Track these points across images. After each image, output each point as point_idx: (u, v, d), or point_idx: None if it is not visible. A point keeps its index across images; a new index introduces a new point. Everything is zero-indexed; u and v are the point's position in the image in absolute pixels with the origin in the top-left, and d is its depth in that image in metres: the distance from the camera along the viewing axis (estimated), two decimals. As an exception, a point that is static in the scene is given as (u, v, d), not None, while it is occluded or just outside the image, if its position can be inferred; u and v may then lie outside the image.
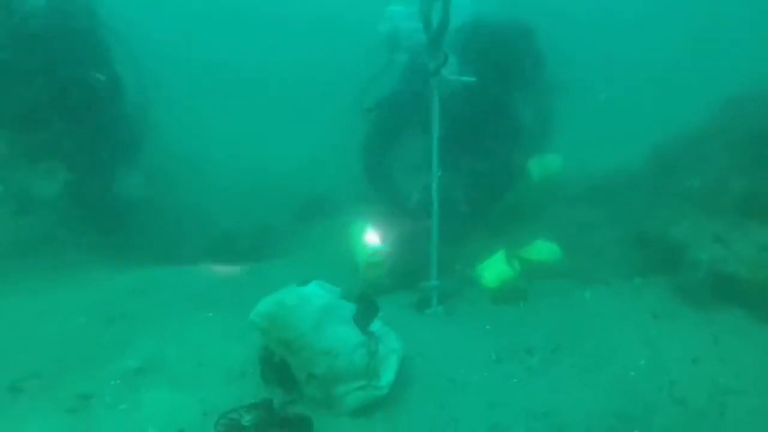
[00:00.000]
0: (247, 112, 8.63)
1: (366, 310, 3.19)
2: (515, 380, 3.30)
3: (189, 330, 3.79)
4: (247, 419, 2.72)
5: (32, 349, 3.55)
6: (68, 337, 3.70)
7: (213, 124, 7.75)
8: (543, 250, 4.60)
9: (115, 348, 3.59)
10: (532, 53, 4.86)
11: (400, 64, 5.07)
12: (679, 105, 6.26)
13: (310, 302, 3.00)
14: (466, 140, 4.68)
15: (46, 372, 3.34)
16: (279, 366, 3.13)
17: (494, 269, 4.33)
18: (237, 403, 3.05)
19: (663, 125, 5.69)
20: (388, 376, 3.08)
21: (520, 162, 5.20)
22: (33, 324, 3.83)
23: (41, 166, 4.27)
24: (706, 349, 3.49)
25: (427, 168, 4.25)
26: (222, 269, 4.77)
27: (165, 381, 3.27)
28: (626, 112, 7.99)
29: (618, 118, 7.64)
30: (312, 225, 5.74)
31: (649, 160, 5.42)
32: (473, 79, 4.13)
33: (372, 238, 4.40)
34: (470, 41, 4.52)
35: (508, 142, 4.95)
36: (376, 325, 3.20)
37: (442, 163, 4.11)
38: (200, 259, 4.95)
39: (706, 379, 3.25)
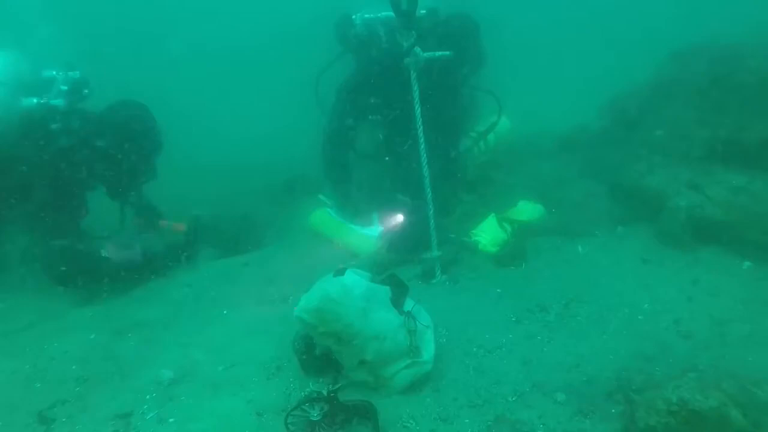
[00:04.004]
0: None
1: (398, 291, 3.26)
2: (539, 337, 3.48)
3: (209, 331, 3.72)
4: (314, 414, 2.74)
5: (48, 372, 3.39)
6: (82, 355, 3.54)
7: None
8: (528, 209, 4.80)
9: (137, 360, 3.48)
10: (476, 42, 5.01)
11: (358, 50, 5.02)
12: (621, 62, 6.59)
13: (353, 291, 3.02)
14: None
15: (71, 395, 3.20)
16: (321, 357, 3.17)
17: (489, 233, 4.49)
18: (284, 398, 3.08)
19: (609, 82, 6.00)
20: (428, 351, 3.19)
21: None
22: (41, 347, 3.64)
23: None
24: (697, 287, 3.84)
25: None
26: (219, 264, 4.65)
27: (204, 387, 3.20)
28: (570, 72, 8.27)
29: (564, 78, 7.91)
30: (292, 206, 5.64)
31: (606, 115, 5.71)
32: (449, 53, 4.19)
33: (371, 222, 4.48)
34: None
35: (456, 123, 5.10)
36: (408, 304, 3.29)
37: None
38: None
39: (703, 313, 3.58)
